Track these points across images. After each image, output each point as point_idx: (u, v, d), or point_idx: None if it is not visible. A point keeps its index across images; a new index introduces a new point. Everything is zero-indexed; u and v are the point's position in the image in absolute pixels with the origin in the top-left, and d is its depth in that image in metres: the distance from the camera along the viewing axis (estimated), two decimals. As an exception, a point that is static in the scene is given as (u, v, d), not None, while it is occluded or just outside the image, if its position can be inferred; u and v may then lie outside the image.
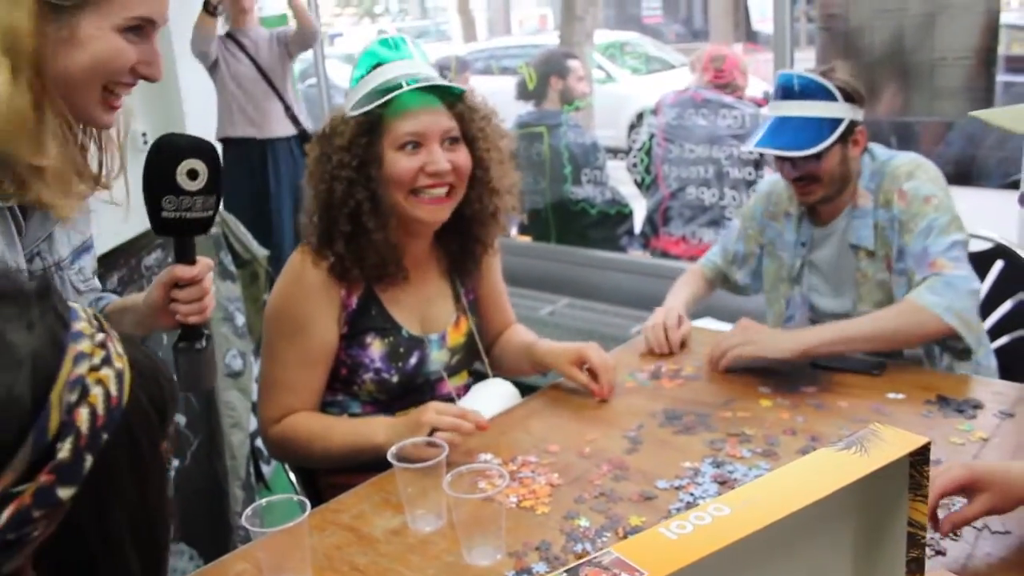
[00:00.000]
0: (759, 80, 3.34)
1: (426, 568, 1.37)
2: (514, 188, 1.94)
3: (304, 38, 4.39)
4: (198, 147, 1.31)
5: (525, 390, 2.03)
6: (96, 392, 0.64)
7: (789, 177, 2.18)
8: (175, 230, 1.34)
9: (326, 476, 1.92)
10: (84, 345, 0.66)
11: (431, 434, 1.60)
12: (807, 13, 3.21)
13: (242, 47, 4.30)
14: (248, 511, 1.32)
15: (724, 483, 1.50)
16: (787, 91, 2.16)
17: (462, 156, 1.80)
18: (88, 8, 1.19)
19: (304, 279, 1.82)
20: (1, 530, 0.60)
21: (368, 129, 1.76)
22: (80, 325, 0.68)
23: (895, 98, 2.92)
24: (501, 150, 1.90)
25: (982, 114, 1.28)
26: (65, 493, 0.61)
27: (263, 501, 1.35)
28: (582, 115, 4.19)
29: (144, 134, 4.07)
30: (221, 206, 1.40)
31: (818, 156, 2.09)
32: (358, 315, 1.84)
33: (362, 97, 1.77)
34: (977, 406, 1.74)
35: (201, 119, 4.49)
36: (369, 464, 1.67)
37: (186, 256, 1.38)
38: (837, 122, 2.10)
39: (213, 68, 4.34)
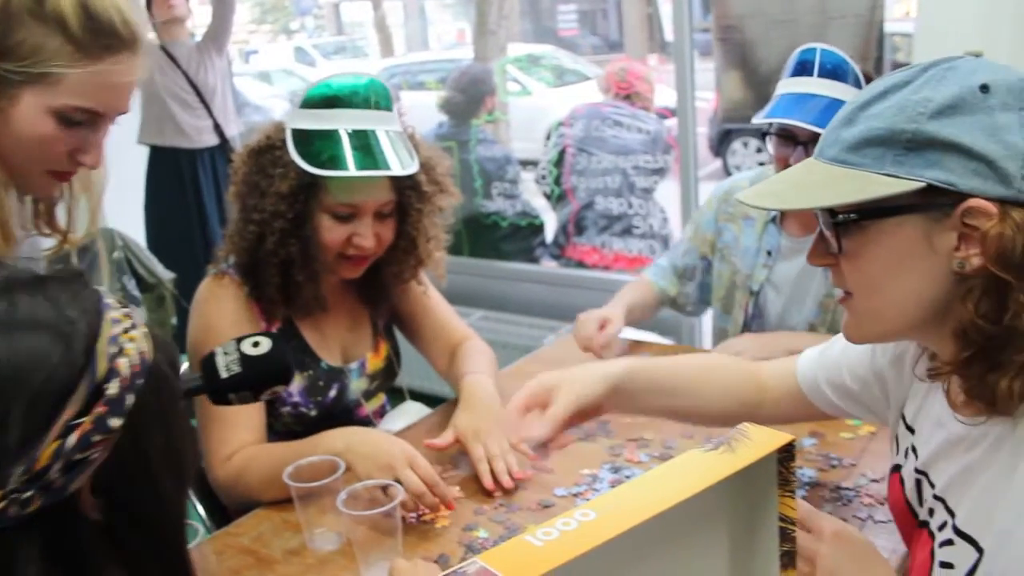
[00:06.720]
0: (669, 89, 3.41)
1: (324, 587, 1.36)
2: (440, 236, 1.89)
3: (218, 18, 4.28)
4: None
5: (437, 404, 2.03)
6: (130, 347, 0.81)
7: (794, 163, 1.81)
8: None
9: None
10: (115, 313, 0.82)
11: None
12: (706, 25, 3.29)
13: (174, 60, 4.20)
14: None
15: (622, 488, 1.52)
16: (806, 67, 1.87)
17: (388, 230, 1.77)
18: (32, 85, 1.17)
19: (224, 310, 1.75)
20: (69, 451, 0.75)
21: (308, 184, 1.66)
22: (109, 299, 0.85)
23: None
24: (438, 207, 1.84)
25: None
26: (115, 422, 0.78)
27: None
28: (496, 128, 4.20)
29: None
30: (121, 229, 1.42)
31: None
32: None
33: (312, 142, 1.65)
34: (867, 402, 1.79)
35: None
36: None
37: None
38: None
39: None
